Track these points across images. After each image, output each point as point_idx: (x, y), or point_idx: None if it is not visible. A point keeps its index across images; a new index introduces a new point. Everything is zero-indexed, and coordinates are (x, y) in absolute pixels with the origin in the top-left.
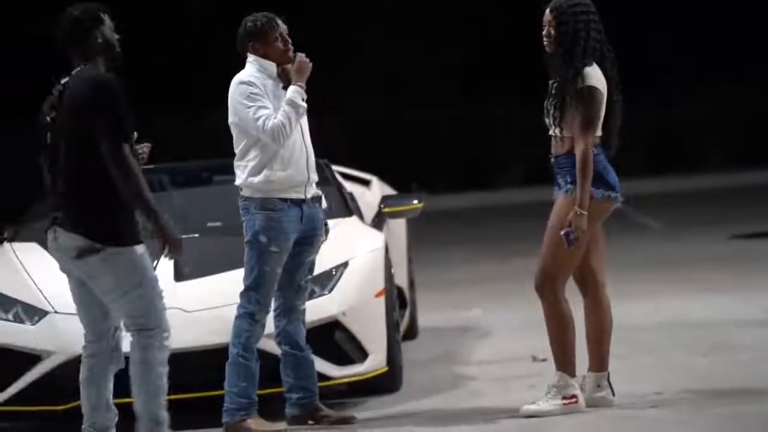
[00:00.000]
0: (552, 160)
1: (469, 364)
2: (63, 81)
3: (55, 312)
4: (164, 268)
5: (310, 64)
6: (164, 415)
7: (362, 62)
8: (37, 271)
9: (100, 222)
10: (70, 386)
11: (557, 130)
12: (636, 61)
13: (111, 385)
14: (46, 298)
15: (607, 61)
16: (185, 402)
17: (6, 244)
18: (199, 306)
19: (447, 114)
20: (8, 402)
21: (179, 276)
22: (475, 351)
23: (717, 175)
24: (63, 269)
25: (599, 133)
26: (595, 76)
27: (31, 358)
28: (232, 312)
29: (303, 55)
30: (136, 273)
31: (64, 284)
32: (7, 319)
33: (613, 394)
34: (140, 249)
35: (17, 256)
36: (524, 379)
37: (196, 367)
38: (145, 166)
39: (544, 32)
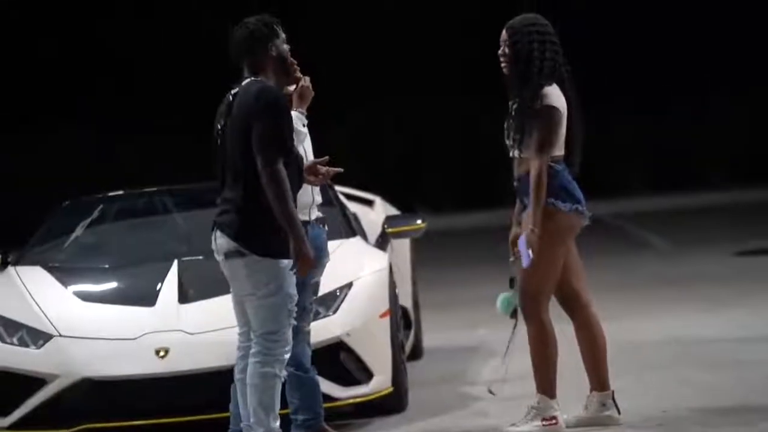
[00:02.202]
0: (515, 183)
1: (474, 384)
2: (233, 92)
3: (60, 335)
4: (169, 290)
5: (312, 91)
6: (274, 426)
7: (366, 77)
8: (42, 294)
9: (251, 229)
10: (75, 410)
11: (517, 152)
12: (638, 78)
13: None
14: (50, 321)
15: (566, 82)
16: (190, 424)
17: (10, 268)
18: (202, 328)
19: (449, 131)
20: (14, 426)
21: (183, 298)
22: (481, 371)
23: (722, 192)
24: None
25: (561, 152)
26: (553, 94)
27: (36, 382)
28: (236, 334)
29: (307, 79)
30: (274, 282)
31: (68, 307)
32: (12, 343)
33: (619, 413)
34: (284, 263)
35: (21, 280)
36: (530, 398)
37: (199, 390)
38: (149, 189)
39: (500, 51)
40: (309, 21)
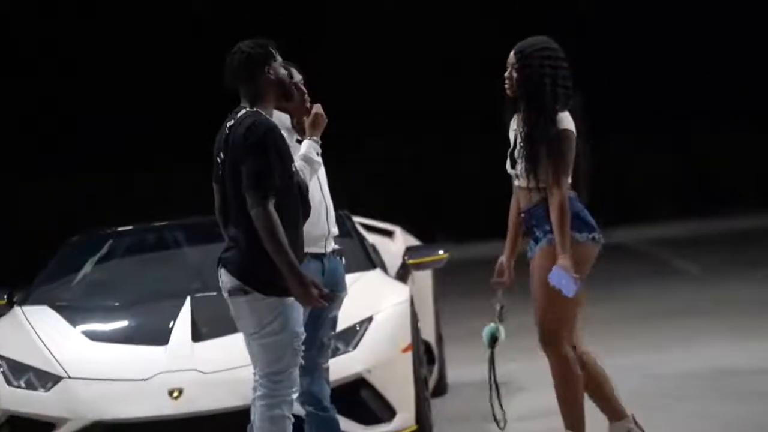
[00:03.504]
0: (523, 214)
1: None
2: (229, 124)
3: (69, 377)
4: (182, 328)
5: (326, 118)
6: None
7: (384, 104)
8: (50, 335)
9: (254, 267)
10: None
11: (533, 182)
12: (667, 100)
13: None
14: (59, 363)
15: (576, 110)
16: None
17: (16, 308)
18: (218, 367)
19: (469, 160)
20: None
21: (197, 336)
22: (508, 407)
23: (756, 215)
24: None
25: (570, 179)
26: (567, 119)
27: (45, 427)
28: (251, 373)
29: (319, 106)
30: (278, 320)
31: (77, 348)
32: (19, 386)
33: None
34: (289, 300)
35: (28, 320)
36: None
37: (215, 431)
38: (159, 223)
39: (506, 74)
40: (328, 50)
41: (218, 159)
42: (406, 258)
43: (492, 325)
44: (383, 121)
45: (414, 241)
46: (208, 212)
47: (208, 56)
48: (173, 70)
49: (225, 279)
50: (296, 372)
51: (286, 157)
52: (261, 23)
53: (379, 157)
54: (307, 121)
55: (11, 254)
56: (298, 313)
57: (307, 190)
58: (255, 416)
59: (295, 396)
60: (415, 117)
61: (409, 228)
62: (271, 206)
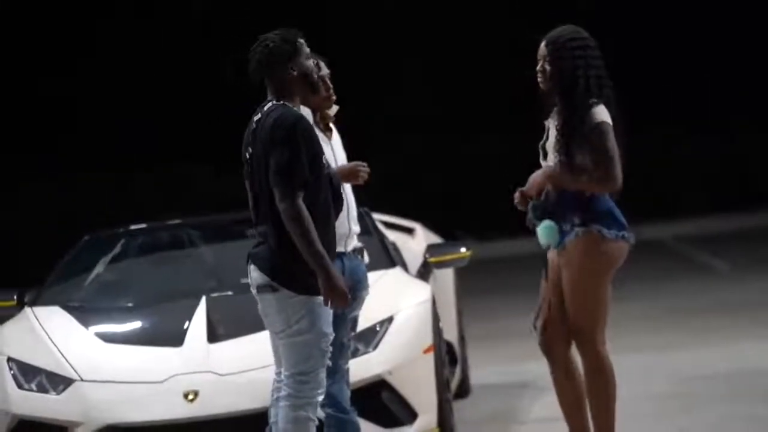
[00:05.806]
0: (553, 206)
1: (525, 423)
2: (256, 118)
3: (82, 380)
4: (197, 328)
5: (365, 175)
6: None
7: (401, 99)
8: (61, 336)
9: (283, 264)
10: None
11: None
12: (698, 95)
13: None
14: (71, 365)
15: (611, 104)
16: None
17: (27, 309)
18: (234, 369)
19: (493, 153)
20: None
21: (213, 337)
22: (532, 409)
23: None
24: None
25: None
26: (601, 112)
27: (57, 431)
28: (269, 374)
29: (364, 164)
30: (306, 319)
31: (90, 350)
32: (30, 389)
33: None
34: (319, 299)
35: (39, 322)
36: None
37: None
38: (173, 221)
39: (538, 67)
40: (328, 50)
41: (246, 155)
42: (427, 256)
43: (546, 224)
44: (391, 120)
45: (435, 239)
46: (211, 211)
47: (209, 56)
48: (173, 70)
49: (254, 275)
50: (323, 373)
51: (316, 150)
52: (261, 23)
53: (388, 156)
54: (342, 172)
55: (11, 254)
56: (327, 312)
57: (340, 184)
58: (279, 417)
59: (320, 398)
60: (424, 116)
61: (427, 226)
62: (299, 200)
